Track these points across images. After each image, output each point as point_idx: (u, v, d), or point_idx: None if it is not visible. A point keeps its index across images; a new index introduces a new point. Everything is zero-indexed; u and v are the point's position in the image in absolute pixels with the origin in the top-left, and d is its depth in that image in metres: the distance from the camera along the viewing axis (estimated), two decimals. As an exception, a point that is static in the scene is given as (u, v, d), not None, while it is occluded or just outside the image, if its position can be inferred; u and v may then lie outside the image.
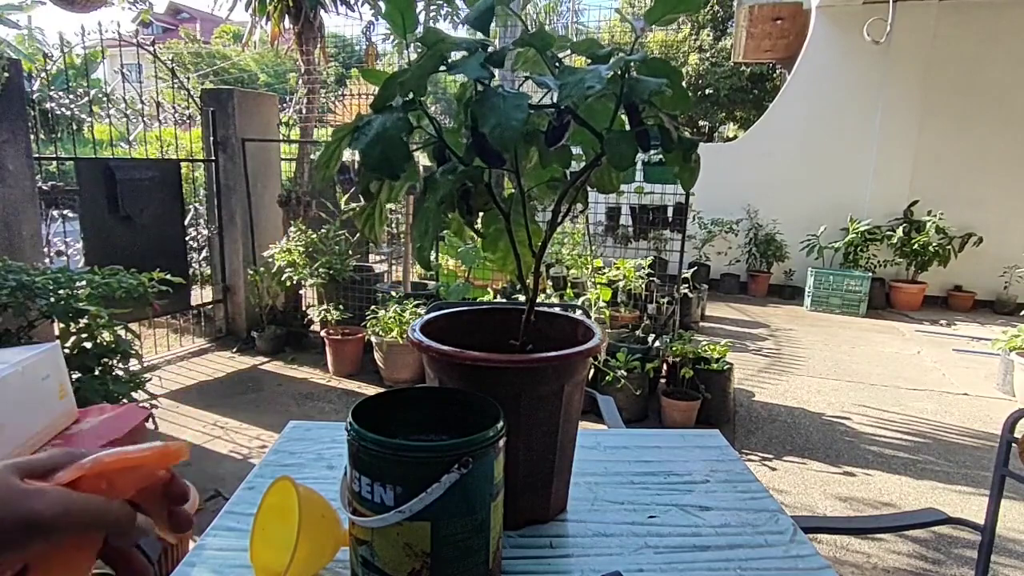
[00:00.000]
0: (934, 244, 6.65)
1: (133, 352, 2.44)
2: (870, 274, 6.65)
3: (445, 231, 0.81)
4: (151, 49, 4.43)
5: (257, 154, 4.82)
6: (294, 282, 4.51)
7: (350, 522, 0.61)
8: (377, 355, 4.04)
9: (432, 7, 5.73)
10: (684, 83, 0.76)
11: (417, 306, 3.99)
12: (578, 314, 0.97)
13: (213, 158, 4.73)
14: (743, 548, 0.77)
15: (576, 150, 0.81)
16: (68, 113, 4.09)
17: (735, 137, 13.51)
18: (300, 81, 5.40)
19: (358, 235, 4.77)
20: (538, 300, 0.83)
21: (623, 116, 0.73)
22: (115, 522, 0.37)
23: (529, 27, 0.76)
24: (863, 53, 6.69)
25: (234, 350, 4.62)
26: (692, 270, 5.62)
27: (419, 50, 0.68)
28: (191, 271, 4.80)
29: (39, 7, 4.93)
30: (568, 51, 0.75)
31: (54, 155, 3.91)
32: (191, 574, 0.70)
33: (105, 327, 2.37)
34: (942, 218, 6.66)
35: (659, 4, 0.71)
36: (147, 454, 0.40)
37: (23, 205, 3.35)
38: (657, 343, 3.80)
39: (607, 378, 3.42)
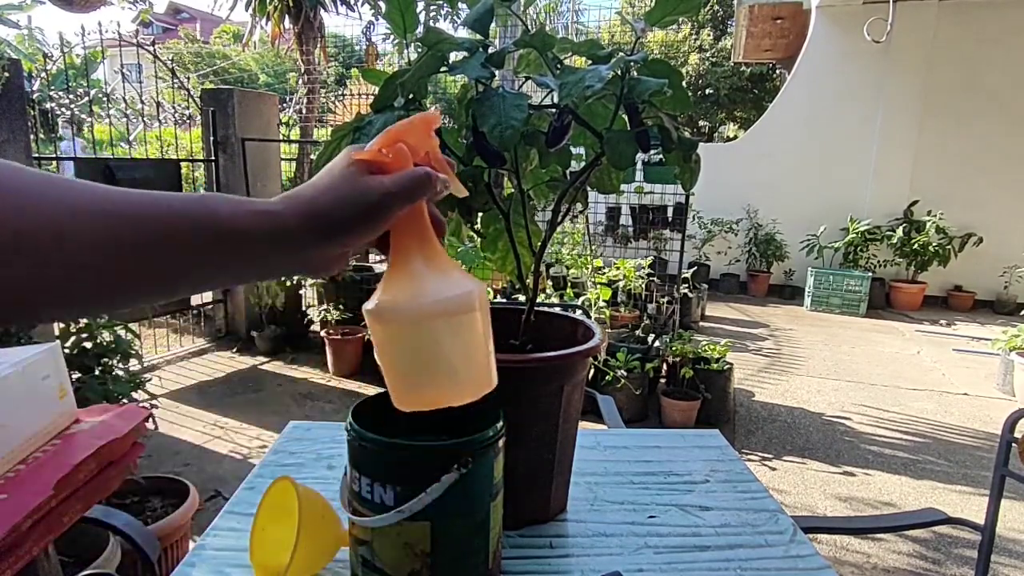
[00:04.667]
0: (934, 244, 6.65)
1: (133, 352, 2.44)
2: (870, 274, 6.65)
3: (445, 231, 0.81)
4: (151, 49, 4.43)
5: (257, 154, 4.82)
6: (294, 282, 4.51)
7: (350, 522, 0.60)
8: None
9: (432, 7, 5.73)
10: (684, 83, 0.76)
11: (417, 306, 3.98)
12: (578, 314, 0.98)
13: (213, 158, 4.73)
14: (743, 548, 0.77)
15: (577, 150, 0.81)
16: (68, 113, 4.09)
17: (735, 137, 13.51)
18: (300, 81, 5.41)
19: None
20: (538, 300, 0.83)
21: (623, 116, 0.73)
22: (422, 181, 0.47)
23: (530, 28, 0.76)
24: (863, 53, 6.69)
25: (234, 350, 4.62)
26: (692, 270, 5.62)
27: (419, 50, 0.68)
28: (191, 271, 4.80)
29: (39, 7, 4.93)
30: (569, 52, 0.75)
31: (54, 155, 3.91)
32: (191, 574, 0.70)
33: (105, 327, 2.37)
34: (942, 218, 6.66)
35: (659, 5, 0.71)
36: (415, 119, 0.49)
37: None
38: (657, 343, 3.80)
39: (607, 378, 3.42)
